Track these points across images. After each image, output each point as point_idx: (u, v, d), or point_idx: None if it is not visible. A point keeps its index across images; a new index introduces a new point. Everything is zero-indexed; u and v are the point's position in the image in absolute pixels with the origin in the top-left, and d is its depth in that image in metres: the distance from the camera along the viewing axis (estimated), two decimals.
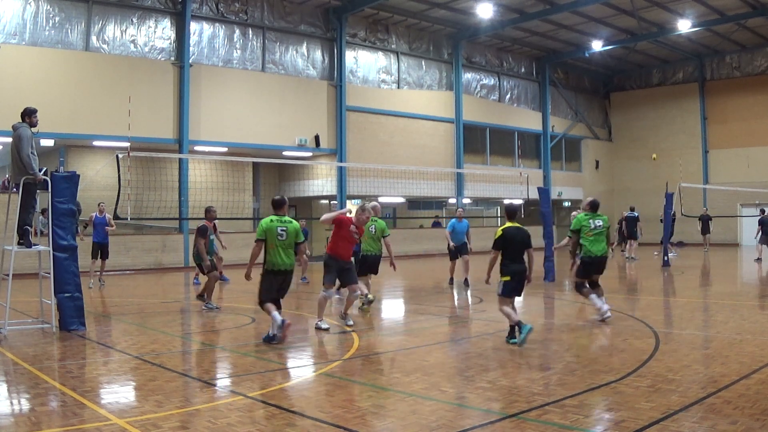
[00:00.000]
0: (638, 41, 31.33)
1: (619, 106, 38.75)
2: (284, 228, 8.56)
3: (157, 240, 22.18)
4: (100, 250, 15.61)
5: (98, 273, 16.01)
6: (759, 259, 22.12)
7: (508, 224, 8.47)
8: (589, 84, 38.43)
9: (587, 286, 10.02)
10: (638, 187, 36.47)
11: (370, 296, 10.71)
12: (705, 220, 27.55)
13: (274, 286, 8.54)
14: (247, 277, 8.73)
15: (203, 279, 12.64)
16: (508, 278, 8.28)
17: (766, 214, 22.54)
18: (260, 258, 8.64)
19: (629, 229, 23.86)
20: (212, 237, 12.53)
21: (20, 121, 9.57)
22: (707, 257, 25.21)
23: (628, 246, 24.05)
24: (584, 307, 11.95)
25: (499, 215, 36.18)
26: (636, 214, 24.47)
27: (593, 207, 10.26)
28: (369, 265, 11.76)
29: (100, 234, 15.62)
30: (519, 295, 8.58)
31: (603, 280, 10.28)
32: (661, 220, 24.35)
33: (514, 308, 8.39)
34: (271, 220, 8.61)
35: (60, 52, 20.31)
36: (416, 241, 27.90)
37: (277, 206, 8.84)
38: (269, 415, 5.34)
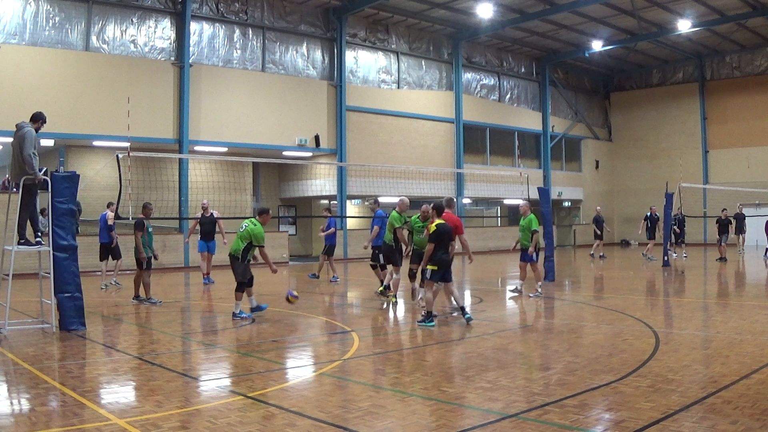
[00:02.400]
0: (638, 41, 31.33)
1: (619, 106, 38.74)
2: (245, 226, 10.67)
3: (157, 240, 21.85)
4: (107, 251, 15.68)
5: (111, 273, 15.99)
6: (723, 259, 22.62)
7: (438, 221, 9.91)
8: (589, 84, 38.42)
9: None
10: (638, 187, 36.47)
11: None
12: (740, 219, 27.06)
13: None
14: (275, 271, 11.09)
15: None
16: (435, 267, 9.66)
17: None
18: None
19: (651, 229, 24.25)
20: (150, 231, 13.18)
21: (26, 121, 9.64)
22: (742, 260, 23.67)
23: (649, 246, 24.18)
24: (584, 307, 11.96)
25: (499, 215, 36.23)
26: (651, 215, 24.35)
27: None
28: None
29: (104, 235, 15.66)
30: (448, 281, 9.95)
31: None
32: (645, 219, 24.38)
33: (453, 293, 10.03)
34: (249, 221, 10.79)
35: (60, 52, 20.30)
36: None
37: (260, 214, 10.97)
38: (269, 415, 5.34)
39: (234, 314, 10.55)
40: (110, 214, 15.24)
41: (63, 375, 6.93)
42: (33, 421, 5.19)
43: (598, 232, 25.22)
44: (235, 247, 10.57)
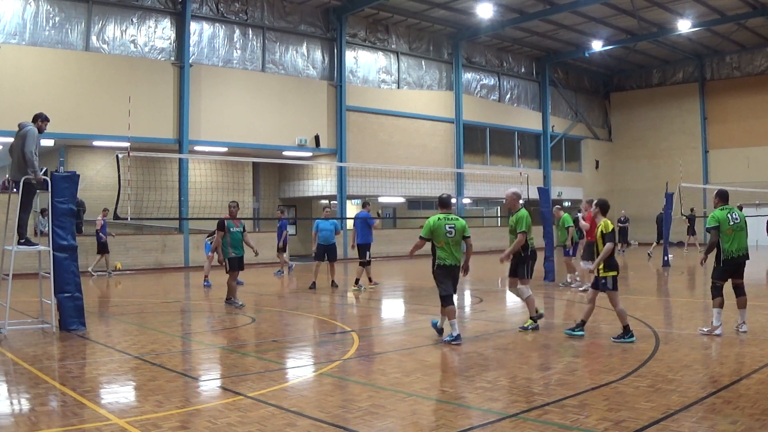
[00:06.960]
0: (638, 41, 31.34)
1: (619, 106, 38.74)
2: (452, 225, 8.52)
3: (157, 240, 22.18)
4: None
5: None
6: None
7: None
8: (589, 84, 38.43)
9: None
10: (638, 187, 36.46)
11: None
12: (692, 220, 26.26)
13: (448, 280, 8.52)
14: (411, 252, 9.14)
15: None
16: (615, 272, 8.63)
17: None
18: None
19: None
20: (235, 230, 11.94)
21: (28, 121, 9.68)
22: None
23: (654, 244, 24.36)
24: (583, 307, 11.93)
25: (499, 215, 36.22)
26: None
27: (724, 198, 9.11)
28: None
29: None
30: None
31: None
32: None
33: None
34: (438, 219, 8.55)
35: (60, 52, 20.30)
36: (416, 241, 27.83)
37: (444, 205, 8.80)
38: (269, 415, 5.33)
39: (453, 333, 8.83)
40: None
41: (63, 375, 6.93)
42: (33, 421, 5.19)
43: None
44: (458, 256, 8.66)
